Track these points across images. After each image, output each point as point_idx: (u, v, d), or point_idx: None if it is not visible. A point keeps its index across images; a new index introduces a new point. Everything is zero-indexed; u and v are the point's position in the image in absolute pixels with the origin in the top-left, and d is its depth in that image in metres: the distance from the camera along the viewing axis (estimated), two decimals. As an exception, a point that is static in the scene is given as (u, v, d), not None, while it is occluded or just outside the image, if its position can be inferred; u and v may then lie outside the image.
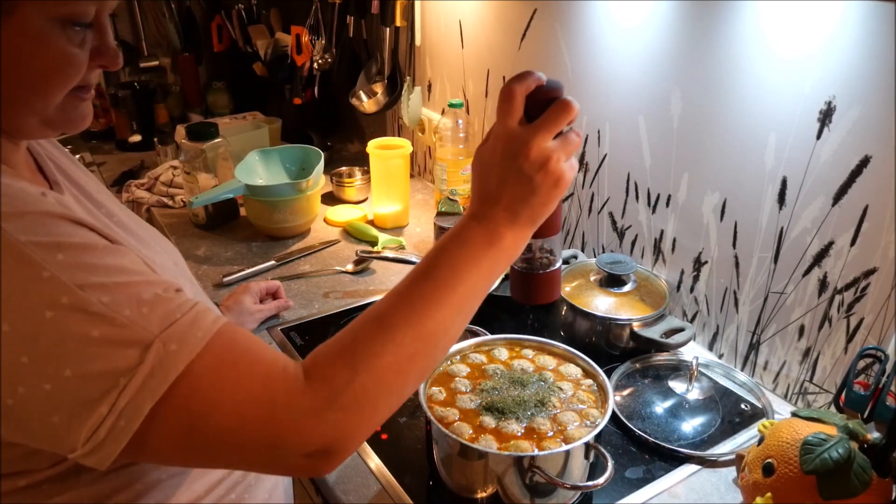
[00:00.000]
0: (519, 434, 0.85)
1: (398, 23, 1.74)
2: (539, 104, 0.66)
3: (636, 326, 1.14)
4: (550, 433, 0.85)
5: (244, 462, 0.62)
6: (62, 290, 0.53)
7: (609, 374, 1.03)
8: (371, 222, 1.67)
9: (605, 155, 1.31)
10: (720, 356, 1.20)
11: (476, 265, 0.66)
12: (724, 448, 0.99)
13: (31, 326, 0.53)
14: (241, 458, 0.61)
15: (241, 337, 0.61)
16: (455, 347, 0.98)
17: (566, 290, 1.21)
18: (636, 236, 1.30)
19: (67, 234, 0.56)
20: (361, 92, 1.88)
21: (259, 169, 1.66)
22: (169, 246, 0.86)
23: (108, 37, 0.64)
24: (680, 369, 1.14)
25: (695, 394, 1.08)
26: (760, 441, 0.86)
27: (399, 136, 2.01)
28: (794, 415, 0.87)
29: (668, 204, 1.21)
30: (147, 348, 0.54)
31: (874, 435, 0.79)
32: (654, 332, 1.13)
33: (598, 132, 1.31)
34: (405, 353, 0.62)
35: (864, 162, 0.90)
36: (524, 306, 1.29)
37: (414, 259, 1.44)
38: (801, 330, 1.04)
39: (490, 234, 0.66)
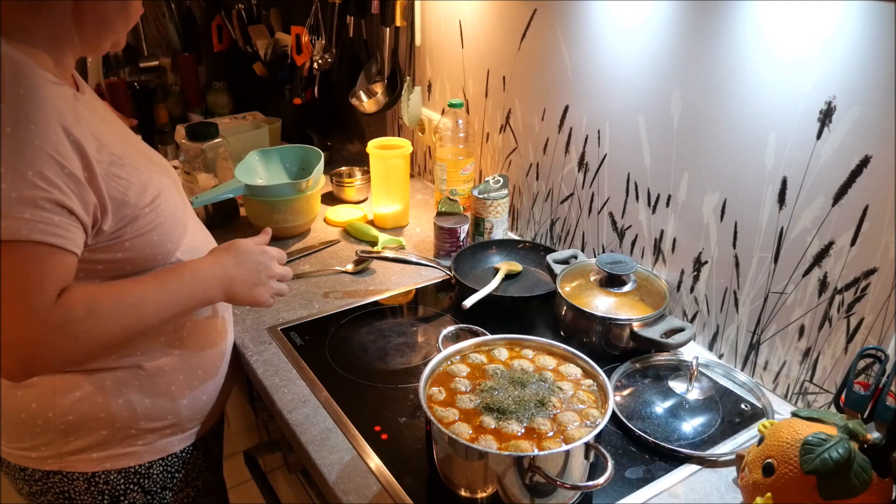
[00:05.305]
0: (519, 434, 0.85)
1: (398, 23, 1.74)
2: None
3: (636, 326, 1.13)
4: (550, 433, 0.85)
5: None
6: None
7: (609, 374, 1.03)
8: (371, 222, 1.67)
9: (605, 155, 1.31)
10: (720, 356, 1.20)
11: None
12: (724, 448, 0.99)
13: None
14: None
15: (49, 255, 0.78)
16: (455, 347, 0.98)
17: (566, 290, 1.21)
18: (636, 236, 1.30)
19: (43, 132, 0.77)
20: (361, 92, 1.88)
21: (259, 169, 1.66)
22: (169, 168, 1.06)
23: None
24: (680, 369, 1.14)
25: (695, 394, 1.08)
26: (760, 441, 0.86)
27: (399, 136, 2.01)
28: (794, 415, 0.87)
29: (668, 204, 1.21)
30: None
31: (874, 435, 0.79)
32: (654, 332, 1.13)
33: (598, 132, 1.31)
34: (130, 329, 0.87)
35: (864, 162, 0.90)
36: (523, 307, 1.29)
37: (413, 259, 1.44)
38: (802, 330, 1.05)
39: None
